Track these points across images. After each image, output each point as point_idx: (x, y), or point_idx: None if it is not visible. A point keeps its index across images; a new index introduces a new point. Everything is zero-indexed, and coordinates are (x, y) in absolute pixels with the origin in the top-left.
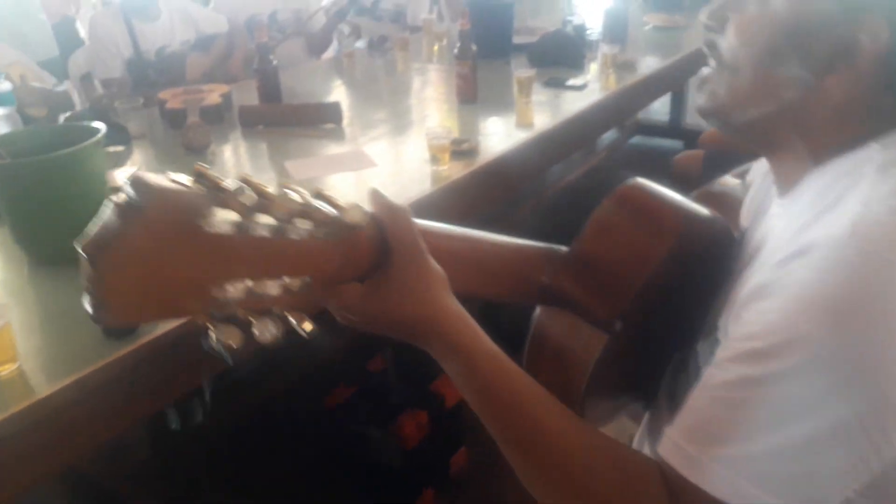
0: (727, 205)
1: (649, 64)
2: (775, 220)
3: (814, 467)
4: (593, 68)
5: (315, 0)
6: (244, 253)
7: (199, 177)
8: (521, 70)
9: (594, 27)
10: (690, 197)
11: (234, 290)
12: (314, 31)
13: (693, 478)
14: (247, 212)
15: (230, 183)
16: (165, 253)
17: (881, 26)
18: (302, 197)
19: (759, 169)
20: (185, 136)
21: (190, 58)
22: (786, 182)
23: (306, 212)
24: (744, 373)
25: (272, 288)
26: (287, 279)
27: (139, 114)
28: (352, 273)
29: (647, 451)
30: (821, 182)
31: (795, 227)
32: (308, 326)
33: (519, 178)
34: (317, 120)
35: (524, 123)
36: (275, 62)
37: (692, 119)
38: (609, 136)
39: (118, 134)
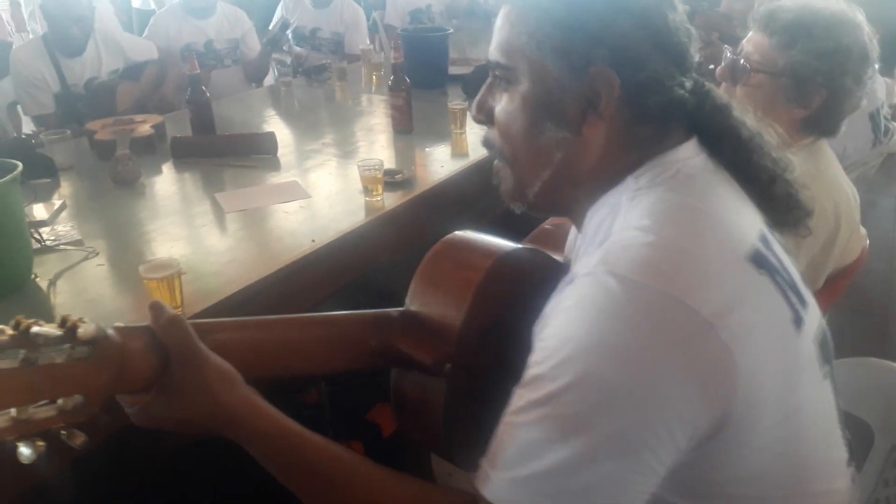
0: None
1: None
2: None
3: (600, 478)
4: None
5: (250, 29)
6: None
7: None
8: (454, 101)
9: None
10: (541, 231)
11: None
12: (250, 59)
13: (493, 498)
14: None
15: None
16: None
17: (609, 73)
18: (27, 326)
19: None
20: (113, 170)
21: (120, 87)
22: (579, 225)
23: (26, 339)
24: (528, 397)
25: (42, 411)
26: (59, 401)
27: (66, 145)
28: (133, 384)
29: None
30: (594, 220)
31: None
32: (80, 440)
33: (456, 206)
34: (251, 150)
35: (459, 153)
36: (207, 94)
37: None
38: None
39: (43, 166)
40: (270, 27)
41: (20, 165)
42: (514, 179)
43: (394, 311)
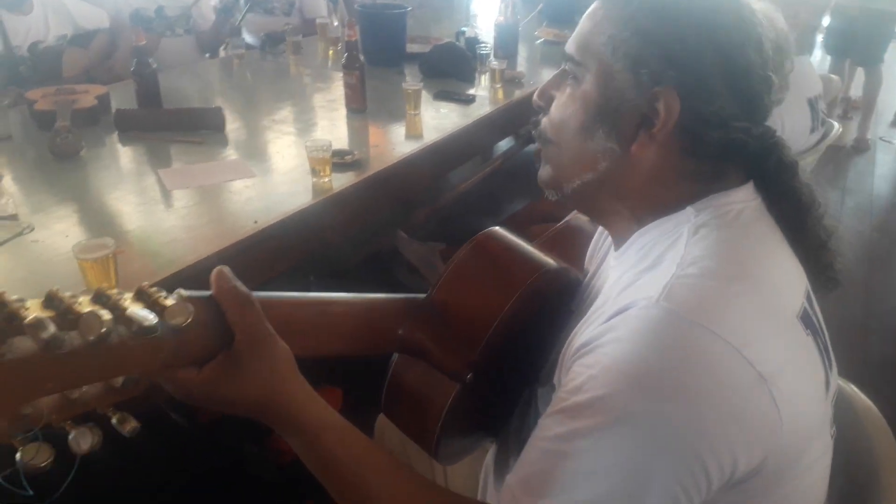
0: (583, 240)
1: (539, 77)
2: (610, 273)
3: None
4: (484, 81)
5: None
6: (54, 370)
7: None
8: (408, 82)
9: (487, 40)
10: (551, 231)
11: (48, 399)
12: (203, 28)
13: None
14: (57, 335)
15: (32, 312)
16: None
17: (673, 96)
18: (117, 305)
19: None
20: (52, 142)
21: (67, 53)
22: (618, 239)
23: (123, 321)
24: (569, 425)
25: (93, 388)
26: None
27: (4, 113)
28: (185, 360)
29: (491, 481)
30: (643, 241)
31: (622, 285)
32: (130, 426)
33: (409, 188)
34: (198, 125)
35: (413, 134)
36: (154, 65)
37: None
38: (505, 143)
39: None
40: None
41: None
42: (554, 170)
43: (418, 298)
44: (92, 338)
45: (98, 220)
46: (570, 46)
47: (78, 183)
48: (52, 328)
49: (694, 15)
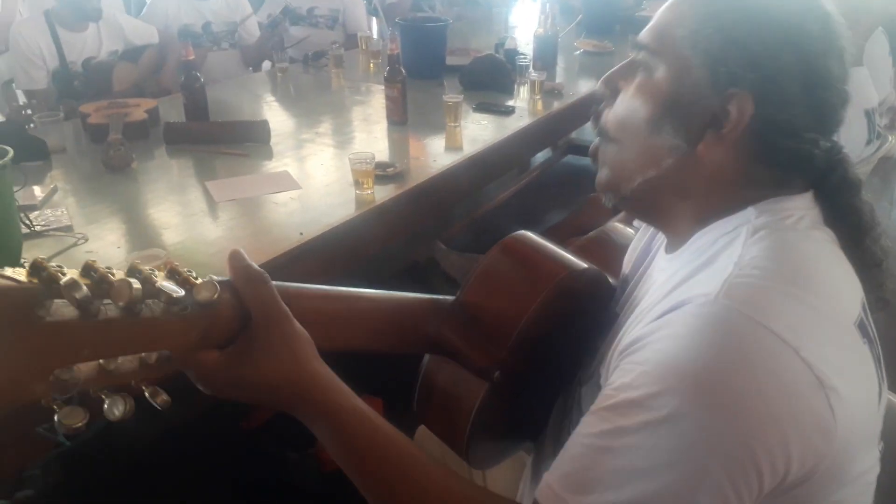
0: (616, 249)
1: (578, 88)
2: (659, 274)
3: None
4: (523, 92)
5: (249, 13)
6: (89, 336)
7: (36, 270)
8: (449, 95)
9: (527, 52)
10: (583, 240)
11: (85, 368)
12: (249, 43)
13: None
14: (90, 297)
15: (69, 275)
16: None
17: (747, 100)
18: (148, 279)
19: None
20: (105, 154)
21: (117, 68)
22: (675, 241)
23: (153, 294)
24: (617, 422)
25: (128, 362)
26: (143, 353)
27: (59, 126)
28: (214, 341)
29: (528, 491)
30: (702, 241)
31: (674, 282)
32: (162, 399)
33: (448, 200)
34: (244, 138)
35: (453, 147)
36: (202, 79)
37: None
38: (543, 154)
39: (35, 148)
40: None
41: (10, 151)
42: (614, 169)
43: (447, 299)
44: (122, 303)
45: (148, 232)
46: (645, 36)
47: (129, 195)
48: (84, 289)
49: (780, 19)
